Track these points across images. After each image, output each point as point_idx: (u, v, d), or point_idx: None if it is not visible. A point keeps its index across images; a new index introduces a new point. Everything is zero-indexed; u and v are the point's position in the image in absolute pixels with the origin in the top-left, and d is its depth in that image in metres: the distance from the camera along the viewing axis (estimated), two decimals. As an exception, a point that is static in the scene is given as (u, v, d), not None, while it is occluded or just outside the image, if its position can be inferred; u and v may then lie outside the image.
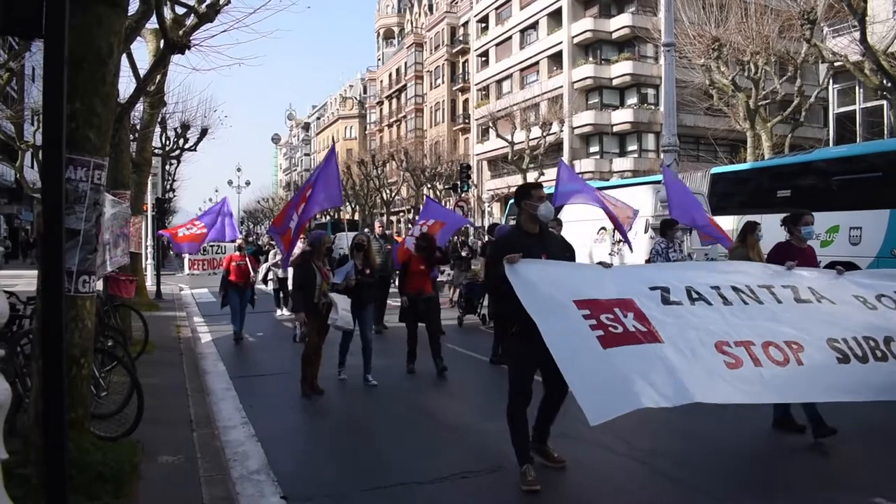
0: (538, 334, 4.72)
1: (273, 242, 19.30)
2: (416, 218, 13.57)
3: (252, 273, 13.51)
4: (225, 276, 13.22)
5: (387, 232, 14.81)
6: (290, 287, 17.08)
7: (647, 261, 10.56)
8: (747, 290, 5.61)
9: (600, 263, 5.61)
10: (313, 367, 8.62)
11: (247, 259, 13.36)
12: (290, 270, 15.59)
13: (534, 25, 49.56)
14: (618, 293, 5.13)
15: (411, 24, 74.25)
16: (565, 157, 44.38)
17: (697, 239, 12.79)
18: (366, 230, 14.24)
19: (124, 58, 10.42)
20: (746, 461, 5.83)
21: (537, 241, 5.40)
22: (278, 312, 16.42)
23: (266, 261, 17.48)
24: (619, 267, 5.77)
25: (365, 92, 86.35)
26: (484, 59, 55.93)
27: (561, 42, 46.01)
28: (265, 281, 17.20)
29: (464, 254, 14.39)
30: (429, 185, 51.78)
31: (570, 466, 5.72)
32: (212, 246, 16.89)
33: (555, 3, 46.56)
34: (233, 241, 15.32)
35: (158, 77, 13.77)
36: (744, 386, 4.85)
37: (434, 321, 9.93)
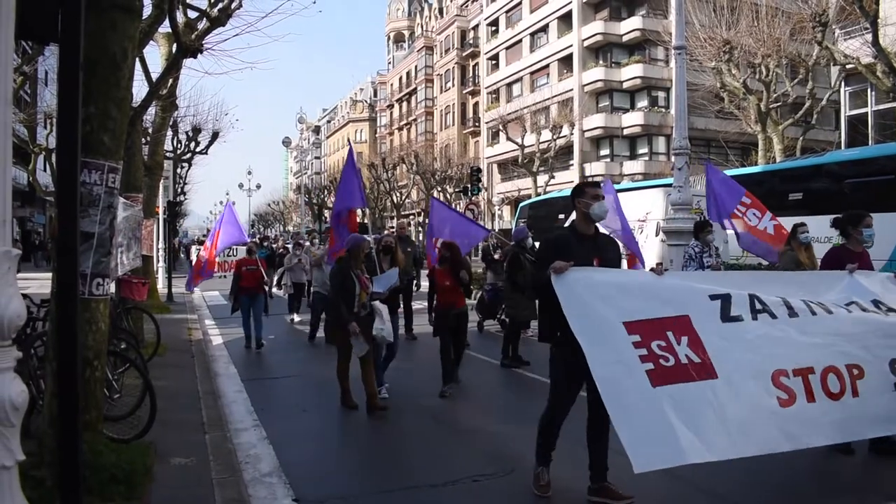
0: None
1: (287, 246, 18.97)
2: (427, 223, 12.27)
3: (265, 277, 12.84)
4: (236, 280, 12.40)
5: (405, 234, 14.11)
6: (311, 292, 16.70)
7: (683, 267, 9.97)
8: (815, 301, 5.20)
9: (652, 270, 5.16)
10: (371, 382, 7.94)
11: (258, 263, 12.67)
12: (306, 274, 15.32)
13: (544, 29, 49.56)
14: (674, 308, 4.71)
15: (421, 27, 74.39)
16: (575, 160, 44.42)
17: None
18: (389, 231, 13.75)
19: (137, 62, 10.49)
20: (757, 464, 5.79)
21: (591, 244, 5.08)
22: (288, 317, 16.06)
23: (280, 265, 17.05)
24: (673, 273, 5.18)
25: (375, 95, 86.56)
26: (494, 62, 55.95)
27: (571, 45, 45.98)
28: (280, 285, 16.76)
29: (496, 256, 13.89)
30: (439, 189, 51.81)
31: (582, 472, 5.71)
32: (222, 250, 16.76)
33: (565, 6, 46.56)
34: (244, 244, 14.67)
35: (171, 81, 13.83)
36: (793, 428, 4.59)
37: (463, 335, 9.21)
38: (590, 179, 8.11)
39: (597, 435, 5.07)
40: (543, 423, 5.18)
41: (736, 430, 4.38)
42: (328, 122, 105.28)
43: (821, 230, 13.67)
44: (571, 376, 4.92)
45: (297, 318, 15.85)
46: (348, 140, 20.38)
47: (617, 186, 23.69)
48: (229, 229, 15.24)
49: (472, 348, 11.60)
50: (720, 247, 15.01)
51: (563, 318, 4.59)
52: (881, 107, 23.56)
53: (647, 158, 43.31)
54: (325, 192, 72.67)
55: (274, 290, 16.15)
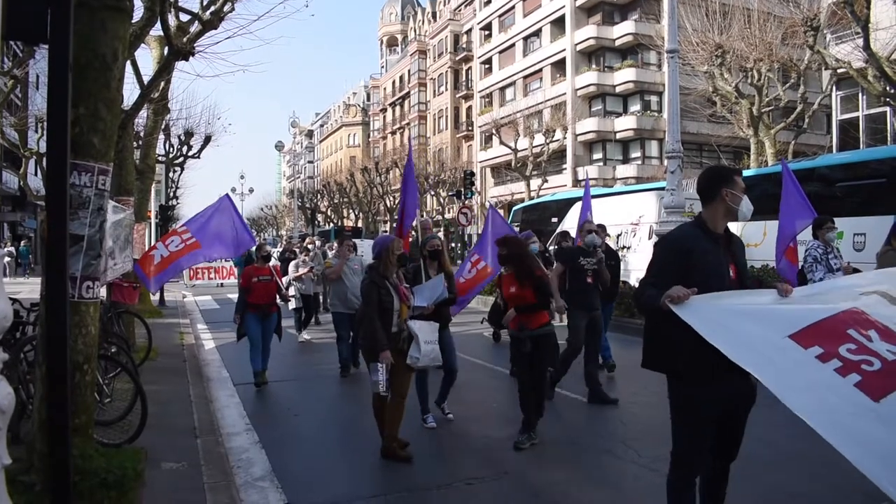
0: (724, 375, 3.36)
1: (297, 250, 16.86)
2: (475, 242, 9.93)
3: (282, 287, 10.10)
4: (242, 296, 9.65)
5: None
6: (323, 304, 14.41)
7: (800, 272, 8.47)
8: None
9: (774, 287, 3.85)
10: (395, 423, 6.36)
11: (273, 272, 9.85)
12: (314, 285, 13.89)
13: (537, 33, 49.66)
14: (838, 306, 3.55)
15: (415, 31, 74.51)
16: (568, 164, 44.52)
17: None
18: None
19: (128, 65, 10.44)
20: (755, 468, 5.77)
21: (724, 247, 3.89)
22: (299, 336, 13.82)
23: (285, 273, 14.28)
24: (802, 289, 3.98)
25: (368, 99, 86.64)
26: (487, 66, 56.05)
27: (564, 49, 46.10)
28: (284, 298, 12.63)
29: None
30: (432, 193, 51.94)
31: (576, 474, 5.70)
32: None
33: (558, 10, 46.69)
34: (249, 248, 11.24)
35: (162, 84, 13.79)
36: None
37: (542, 366, 6.84)
38: (722, 165, 5.52)
39: (713, 491, 4.05)
40: (673, 489, 3.91)
41: None
42: (321, 126, 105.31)
43: (809, 233, 13.70)
44: (698, 414, 3.75)
45: (308, 336, 14.03)
46: (409, 140, 18.99)
47: (610, 190, 23.77)
48: (228, 233, 9.97)
49: (475, 355, 11.37)
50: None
51: (684, 343, 3.55)
52: (872, 111, 23.67)
53: (639, 162, 43.42)
54: (319, 197, 72.63)
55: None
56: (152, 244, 10.96)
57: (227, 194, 10.30)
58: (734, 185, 3.86)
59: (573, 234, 11.53)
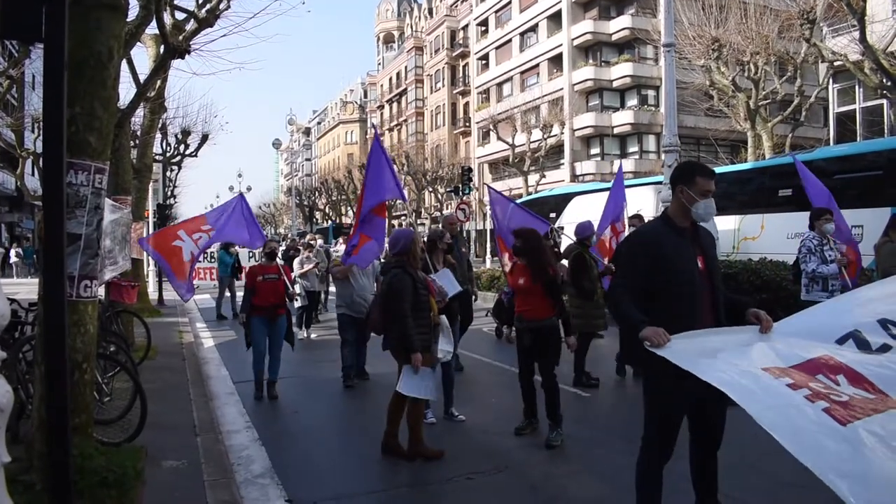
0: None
1: (300, 247, 16.21)
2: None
3: (290, 286, 9.34)
4: (247, 296, 8.81)
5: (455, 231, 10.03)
6: (337, 314, 14.52)
7: (795, 262, 8.47)
8: None
9: (756, 314, 3.82)
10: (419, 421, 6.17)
11: (280, 270, 9.03)
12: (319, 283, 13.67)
13: (533, 28, 49.65)
14: (808, 353, 3.59)
15: (411, 28, 74.41)
16: (566, 160, 44.51)
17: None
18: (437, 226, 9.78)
19: (124, 64, 10.42)
20: (756, 457, 5.78)
21: (690, 240, 3.97)
22: (300, 333, 13.23)
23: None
24: (781, 326, 3.93)
25: (365, 96, 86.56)
26: (484, 62, 56.03)
27: (561, 44, 46.09)
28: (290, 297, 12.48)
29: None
30: (430, 189, 51.93)
31: (575, 469, 5.71)
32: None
33: (554, 5, 46.66)
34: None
35: (159, 82, 13.77)
36: None
37: (547, 362, 6.52)
38: (697, 161, 5.53)
39: (705, 484, 4.17)
40: (641, 471, 4.04)
41: None
42: (318, 123, 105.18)
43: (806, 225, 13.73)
44: (677, 406, 3.93)
45: (313, 334, 13.89)
46: (373, 125, 19.03)
47: (608, 185, 23.74)
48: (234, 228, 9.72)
49: (478, 352, 11.31)
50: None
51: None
52: (869, 103, 23.73)
53: (637, 157, 43.40)
54: (316, 194, 72.58)
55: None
56: (174, 227, 10.31)
57: (241, 193, 10.01)
58: (692, 185, 3.91)
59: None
